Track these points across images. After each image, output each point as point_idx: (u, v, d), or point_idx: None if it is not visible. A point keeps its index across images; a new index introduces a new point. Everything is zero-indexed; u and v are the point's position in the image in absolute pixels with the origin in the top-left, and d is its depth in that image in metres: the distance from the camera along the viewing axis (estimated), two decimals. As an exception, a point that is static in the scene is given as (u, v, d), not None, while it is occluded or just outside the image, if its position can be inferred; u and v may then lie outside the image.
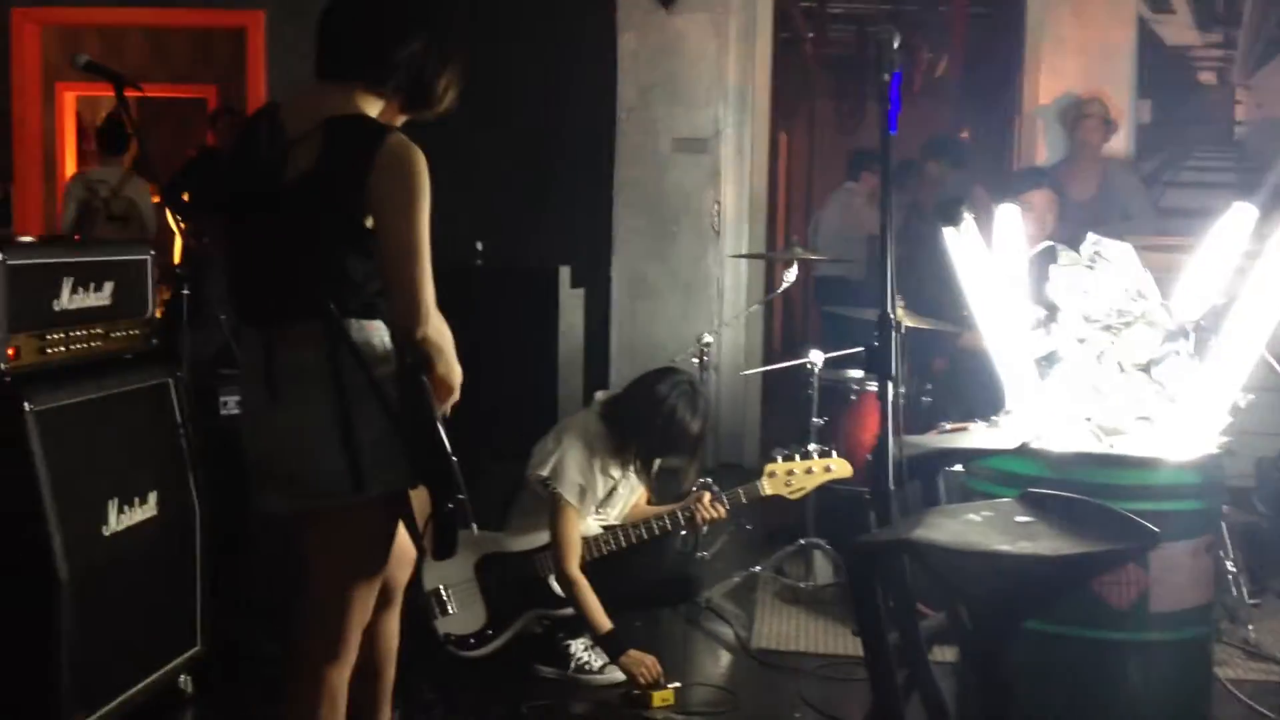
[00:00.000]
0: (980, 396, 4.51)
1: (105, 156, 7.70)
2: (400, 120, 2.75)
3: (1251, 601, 4.43)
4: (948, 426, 3.97)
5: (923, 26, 10.04)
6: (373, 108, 2.67)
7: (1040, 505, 2.72)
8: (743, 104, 7.19)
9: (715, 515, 4.08)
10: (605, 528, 4.06)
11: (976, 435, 3.83)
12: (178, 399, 3.62)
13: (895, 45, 2.76)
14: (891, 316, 2.67)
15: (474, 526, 3.89)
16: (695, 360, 5.28)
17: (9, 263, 3.06)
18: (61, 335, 3.27)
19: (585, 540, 3.95)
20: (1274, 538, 5.08)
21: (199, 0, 7.46)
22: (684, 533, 4.34)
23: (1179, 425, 3.66)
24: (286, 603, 2.79)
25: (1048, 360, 3.95)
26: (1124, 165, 6.80)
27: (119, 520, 3.31)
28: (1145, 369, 3.82)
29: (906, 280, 6.11)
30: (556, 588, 3.94)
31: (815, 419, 4.99)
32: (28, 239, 3.50)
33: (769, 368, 5.94)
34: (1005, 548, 2.41)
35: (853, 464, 5.13)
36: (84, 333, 3.36)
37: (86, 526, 3.19)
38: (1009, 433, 3.72)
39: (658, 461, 4.04)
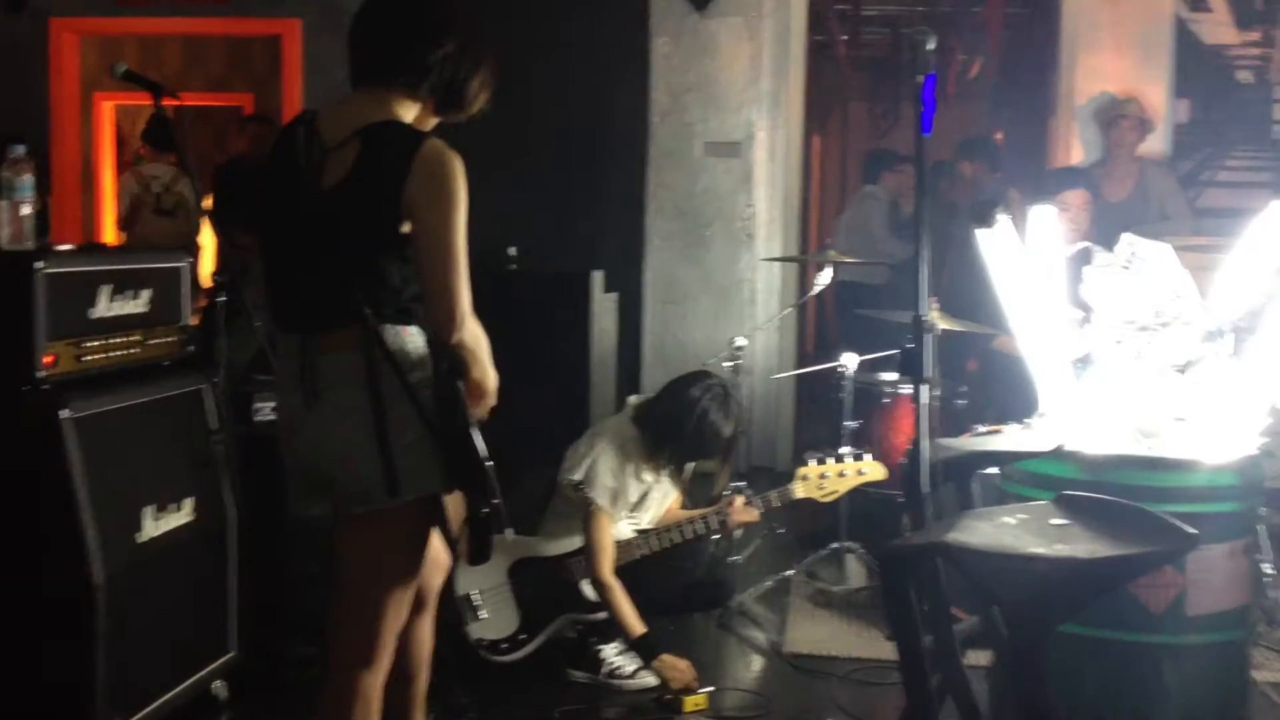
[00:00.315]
0: (1014, 398, 4.48)
1: (156, 153, 7.84)
2: (433, 122, 2.77)
3: (1290, 604, 4.38)
4: (982, 429, 3.95)
5: (957, 28, 10.00)
6: (408, 112, 2.69)
7: (1076, 508, 2.70)
8: (776, 107, 7.18)
9: (748, 519, 4.08)
10: (639, 531, 4.06)
11: (1011, 438, 3.81)
12: (213, 405, 3.64)
13: (930, 47, 2.75)
14: (925, 318, 2.65)
15: (509, 531, 3.91)
16: (728, 364, 5.27)
17: (47, 271, 3.09)
18: (99, 342, 3.30)
19: (619, 544, 3.95)
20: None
21: (235, 9, 7.52)
22: (717, 536, 4.33)
23: (1216, 426, 3.63)
24: (321, 608, 2.80)
25: (1083, 362, 3.93)
26: (1160, 165, 6.74)
27: (155, 526, 3.34)
28: (1182, 370, 3.78)
29: (939, 281, 6.11)
30: (589, 592, 3.94)
31: (848, 422, 4.97)
32: (65, 247, 3.53)
33: (802, 371, 5.93)
34: (1040, 550, 2.39)
35: (886, 467, 5.12)
36: (121, 340, 3.39)
37: (122, 532, 3.21)
38: (1044, 435, 3.70)
39: (690, 466, 4.04)
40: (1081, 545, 2.44)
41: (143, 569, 3.26)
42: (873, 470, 4.20)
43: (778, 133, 7.21)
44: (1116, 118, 6.66)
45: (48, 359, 3.10)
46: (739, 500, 4.09)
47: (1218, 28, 6.76)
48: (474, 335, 2.63)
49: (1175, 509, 2.75)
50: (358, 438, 2.56)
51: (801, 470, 4.17)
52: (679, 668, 3.80)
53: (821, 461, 4.22)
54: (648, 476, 4.03)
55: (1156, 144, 6.79)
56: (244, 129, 7.99)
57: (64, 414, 3.05)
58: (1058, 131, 7.07)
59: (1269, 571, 4.31)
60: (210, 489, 3.60)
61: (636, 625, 3.82)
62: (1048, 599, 2.40)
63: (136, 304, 3.46)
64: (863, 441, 5.03)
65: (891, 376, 5.36)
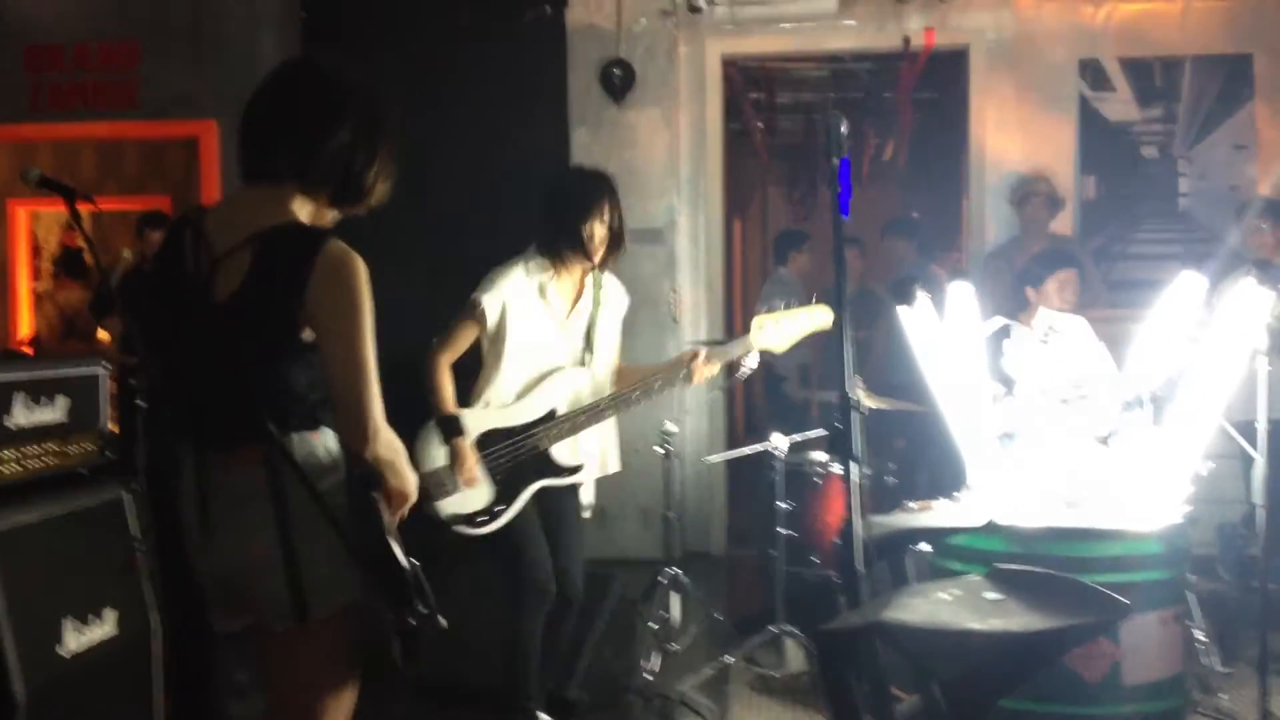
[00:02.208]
0: (943, 473, 4.52)
1: (68, 281, 7.74)
2: (332, 216, 2.62)
3: (1223, 670, 4.41)
4: (913, 505, 3.97)
5: (870, 114, 10.21)
6: (302, 208, 2.54)
7: (1009, 581, 2.72)
8: (696, 194, 7.27)
9: (710, 372, 4.02)
10: (598, 403, 3.98)
11: (941, 513, 3.83)
12: (133, 514, 3.56)
13: (844, 130, 2.80)
14: (852, 397, 2.67)
15: (465, 411, 3.88)
16: (660, 449, 5.26)
17: (-41, 381, 3.02)
18: (15, 453, 3.23)
19: (588, 408, 3.93)
20: (1241, 605, 5.08)
21: (150, 112, 7.49)
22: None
23: (1141, 495, 3.68)
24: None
25: (1007, 435, 3.97)
26: (1071, 241, 6.90)
27: (77, 640, 3.24)
28: (1104, 440, 3.84)
29: (866, 360, 6.17)
30: (560, 457, 3.93)
31: (781, 504, 4.97)
32: (-21, 356, 3.47)
33: (733, 453, 5.94)
34: (977, 626, 2.40)
35: (820, 548, 5.13)
36: (38, 449, 3.32)
37: (44, 647, 3.12)
38: (973, 509, 3.73)
39: (584, 229, 3.94)
40: (1016, 619, 2.46)
41: (66, 683, 3.16)
42: (822, 314, 4.05)
43: (699, 218, 7.29)
44: (1028, 195, 6.82)
45: (-38, 471, 3.03)
46: (701, 353, 4.02)
47: (1121, 106, 6.98)
48: (389, 445, 2.48)
49: (1106, 579, 2.78)
50: (263, 561, 2.44)
51: (757, 320, 4.09)
52: (463, 460, 3.80)
53: (772, 312, 4.13)
54: (544, 274, 3.97)
55: (1067, 221, 6.95)
56: (143, 230, 7.79)
57: (-20, 528, 2.97)
58: (971, 211, 7.21)
59: (1201, 639, 4.34)
60: (133, 600, 3.51)
61: (448, 405, 3.86)
62: (986, 674, 2.40)
63: (53, 412, 3.40)
64: (797, 523, 5.04)
65: (822, 456, 5.38)
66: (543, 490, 3.94)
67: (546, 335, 3.94)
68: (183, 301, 2.50)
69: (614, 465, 4.13)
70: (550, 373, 3.94)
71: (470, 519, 3.87)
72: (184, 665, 3.69)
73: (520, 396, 3.93)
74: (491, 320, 3.90)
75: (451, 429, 3.83)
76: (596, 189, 3.97)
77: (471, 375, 4.00)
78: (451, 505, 3.84)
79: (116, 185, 9.89)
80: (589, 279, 4.05)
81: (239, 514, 2.48)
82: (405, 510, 2.60)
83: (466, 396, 3.97)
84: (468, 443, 3.84)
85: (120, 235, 9.92)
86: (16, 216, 9.77)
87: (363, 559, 2.45)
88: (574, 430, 3.92)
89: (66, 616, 3.22)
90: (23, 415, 3.27)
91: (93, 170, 9.98)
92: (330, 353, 2.42)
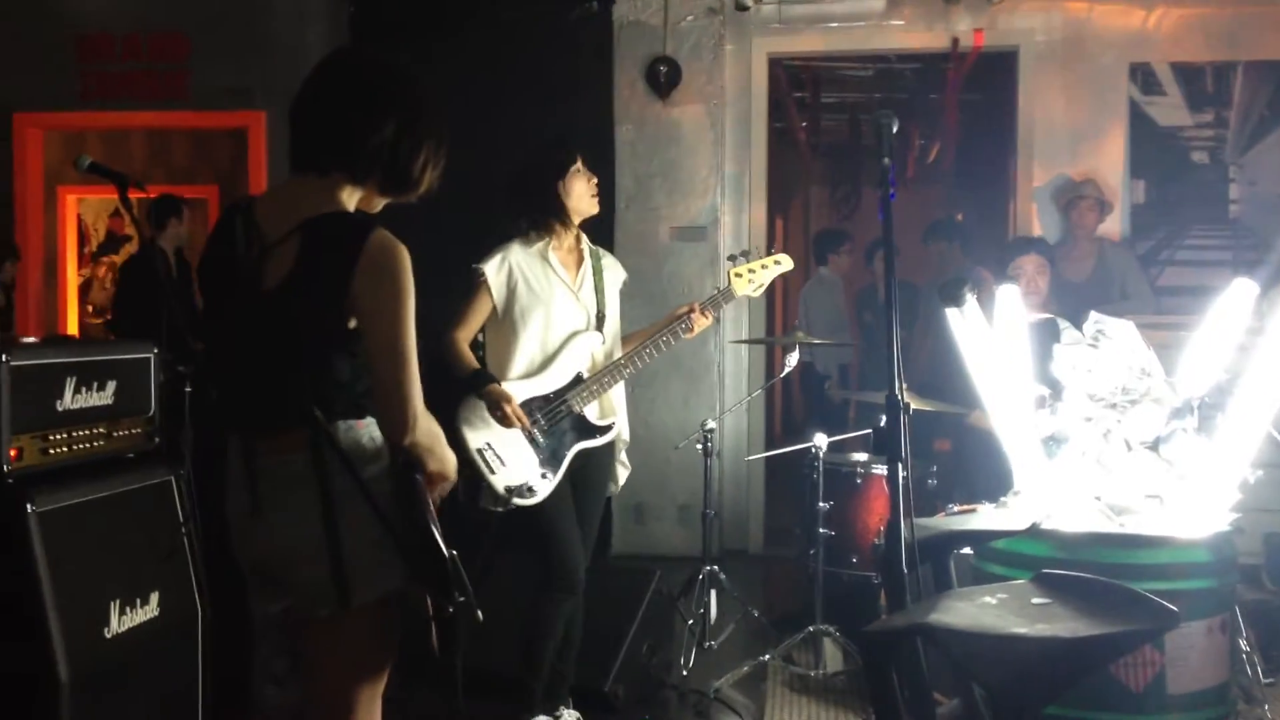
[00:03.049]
0: (985, 477, 4.49)
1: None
2: (380, 204, 2.67)
3: (1266, 681, 4.36)
4: (956, 508, 3.95)
5: (915, 114, 10.17)
6: (350, 197, 2.58)
7: (1056, 586, 2.69)
8: (739, 192, 7.26)
9: (706, 324, 4.17)
10: (618, 362, 4.07)
11: (986, 516, 3.80)
12: (180, 497, 3.59)
13: (894, 129, 2.79)
14: (899, 398, 2.65)
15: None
16: (699, 446, 5.26)
17: (12, 364, 3.06)
18: (64, 435, 3.26)
19: (601, 373, 4.01)
20: (1287, 615, 5.02)
21: (200, 102, 7.54)
22: None
23: (1189, 503, 3.64)
24: (294, 705, 2.74)
25: (1054, 439, 3.94)
26: (1120, 245, 6.85)
27: (121, 621, 3.27)
28: (1153, 447, 3.81)
29: (909, 361, 6.14)
30: (592, 416, 4.00)
31: (821, 503, 4.96)
32: (30, 340, 3.50)
33: (775, 452, 5.92)
34: (1023, 630, 2.38)
35: (861, 548, 5.11)
36: (86, 432, 3.35)
37: (88, 628, 3.15)
38: (1018, 513, 3.70)
39: (557, 187, 4.00)
40: (1063, 624, 2.43)
41: (109, 665, 3.18)
42: (785, 261, 4.33)
43: (742, 217, 7.28)
44: (1075, 199, 6.77)
45: (12, 452, 3.06)
46: (695, 307, 4.14)
47: (1171, 110, 6.91)
48: (428, 432, 2.51)
49: (1151, 586, 2.75)
50: (307, 545, 2.46)
51: (733, 270, 4.27)
52: (505, 396, 3.82)
53: (742, 261, 4.35)
54: (539, 245, 4.02)
55: (1115, 224, 6.90)
56: (162, 223, 7.74)
57: (30, 508, 3.00)
58: (1017, 214, 7.17)
59: (1246, 648, 4.30)
60: (178, 583, 3.54)
61: (473, 364, 3.91)
62: (1032, 679, 2.38)
63: (102, 396, 3.43)
64: (836, 522, 5.03)
65: (861, 457, 5.36)
66: (578, 465, 3.97)
67: (563, 301, 3.99)
68: (232, 287, 2.54)
69: (625, 434, 4.18)
70: (572, 337, 3.99)
71: (520, 490, 3.89)
72: (224, 650, 3.72)
73: (546, 364, 3.97)
74: (498, 289, 3.95)
75: (483, 379, 3.87)
76: (557, 151, 4.07)
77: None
78: (502, 479, 3.86)
79: (165, 174, 9.98)
80: (585, 250, 4.12)
81: (284, 498, 2.51)
82: (446, 490, 2.63)
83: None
84: (499, 387, 3.86)
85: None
86: (65, 203, 9.88)
87: (405, 546, 2.47)
88: (601, 391, 4.00)
89: (112, 599, 3.25)
90: (73, 398, 3.30)
91: (142, 159, 10.08)
92: (372, 340, 2.45)
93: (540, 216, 4.01)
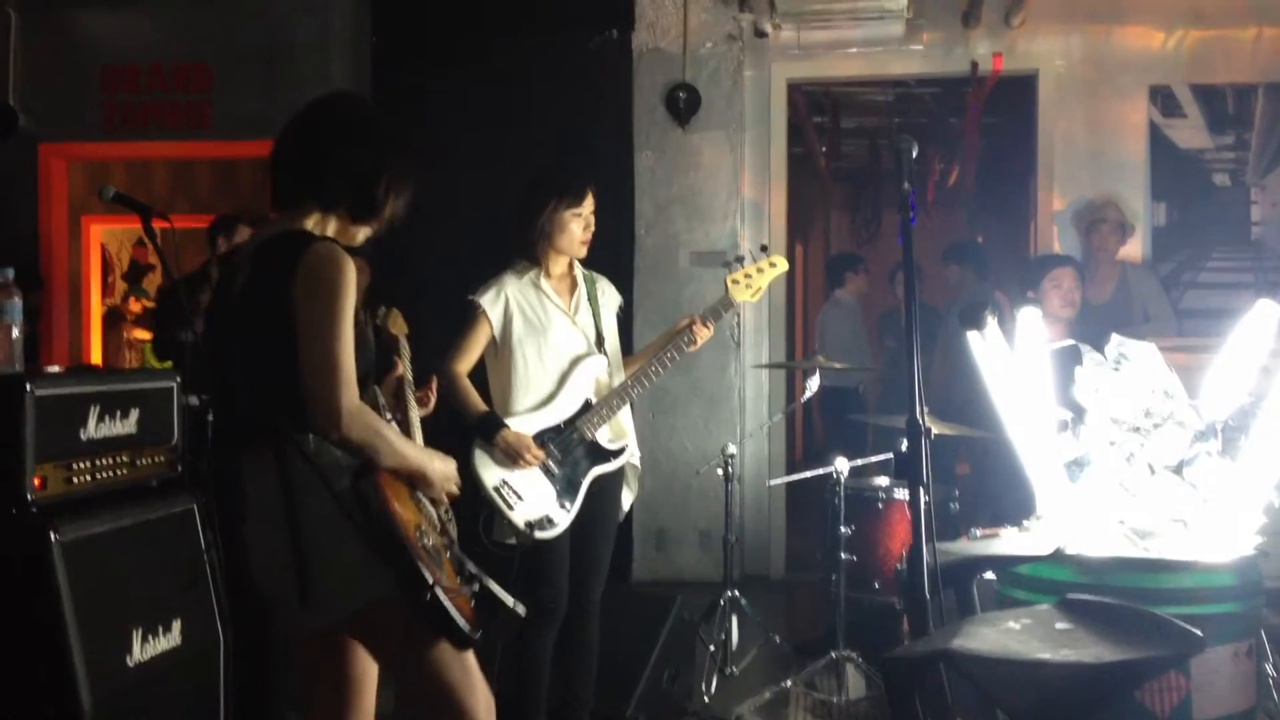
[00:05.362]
0: (1006, 501, 4.46)
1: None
2: (361, 235, 2.76)
3: (1295, 707, 4.32)
4: (979, 533, 3.93)
5: (935, 139, 10.17)
6: (320, 225, 2.69)
7: (1080, 611, 2.67)
8: (759, 217, 7.27)
9: (707, 335, 4.16)
10: (625, 383, 4.08)
11: (1009, 541, 3.78)
12: (202, 526, 3.60)
13: (914, 155, 2.79)
14: (921, 421, 2.65)
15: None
16: (720, 472, 5.25)
17: (37, 394, 3.08)
18: (88, 464, 3.27)
19: (617, 388, 4.03)
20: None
21: (222, 132, 7.61)
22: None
23: (1213, 526, 3.62)
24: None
25: (1077, 463, 3.92)
26: (1142, 267, 6.82)
27: (143, 650, 3.28)
28: (1176, 470, 3.78)
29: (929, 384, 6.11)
30: (605, 442, 3.99)
31: (843, 528, 4.94)
32: (55, 369, 3.52)
33: (795, 477, 5.91)
34: (1048, 656, 2.36)
35: (883, 573, 5.09)
36: (110, 461, 3.36)
37: (110, 657, 3.16)
38: (1041, 538, 3.68)
39: (541, 219, 3.98)
40: (1088, 650, 2.42)
41: (131, 694, 3.19)
42: (779, 263, 4.34)
43: (762, 242, 7.28)
44: (1096, 221, 6.74)
45: (36, 481, 3.07)
46: (696, 320, 4.14)
47: (1192, 133, 6.89)
48: (365, 427, 2.53)
49: (1177, 611, 2.73)
50: (278, 560, 2.53)
51: (730, 278, 4.26)
52: (521, 445, 3.82)
53: (738, 267, 4.42)
54: (531, 273, 4.02)
55: (1137, 247, 6.87)
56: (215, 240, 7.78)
57: (53, 537, 3.02)
58: (1038, 236, 7.15)
59: (1273, 673, 4.25)
60: (200, 611, 3.55)
61: (480, 406, 3.91)
62: (1056, 706, 2.36)
63: (126, 425, 3.44)
64: (858, 547, 5.01)
65: (883, 481, 5.34)
66: (590, 489, 3.96)
67: (561, 327, 4.00)
68: (215, 315, 2.76)
69: (635, 458, 4.16)
70: (576, 363, 3.99)
71: (540, 523, 3.88)
72: (244, 676, 3.72)
73: (554, 393, 3.97)
74: (496, 319, 3.95)
75: (492, 424, 3.87)
76: (547, 182, 4.04)
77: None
78: (521, 514, 3.85)
79: (188, 204, 10.05)
80: (579, 275, 4.12)
81: (261, 515, 2.58)
82: (451, 486, 2.74)
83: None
84: (513, 432, 3.86)
85: (191, 252, 10.08)
86: (90, 233, 9.96)
87: (372, 548, 2.50)
88: (610, 414, 4.00)
89: (135, 627, 3.26)
90: (96, 428, 3.32)
91: (165, 189, 10.15)
92: (302, 341, 2.51)
93: (527, 246, 4.02)
